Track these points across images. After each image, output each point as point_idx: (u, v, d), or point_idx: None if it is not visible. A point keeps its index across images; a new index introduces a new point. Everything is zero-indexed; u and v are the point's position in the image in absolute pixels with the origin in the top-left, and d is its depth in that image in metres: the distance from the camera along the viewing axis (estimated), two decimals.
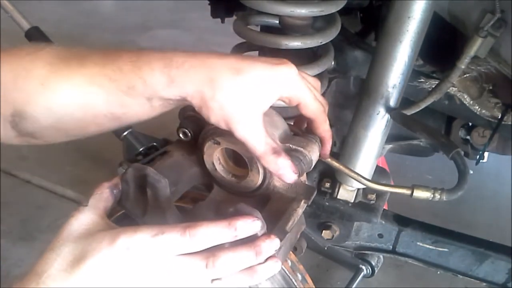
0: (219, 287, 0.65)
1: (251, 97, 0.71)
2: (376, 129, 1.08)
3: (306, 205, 0.87)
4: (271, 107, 0.76)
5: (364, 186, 1.09)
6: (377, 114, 1.05)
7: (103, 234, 0.67)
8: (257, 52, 1.15)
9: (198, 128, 0.89)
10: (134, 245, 0.64)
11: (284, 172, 0.76)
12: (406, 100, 1.10)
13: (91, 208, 0.74)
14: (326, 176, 1.21)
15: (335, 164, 0.93)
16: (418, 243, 1.26)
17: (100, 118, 0.75)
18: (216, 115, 0.71)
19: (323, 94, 1.21)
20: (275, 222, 0.82)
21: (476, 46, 0.95)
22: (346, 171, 0.95)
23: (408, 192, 0.92)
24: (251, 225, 0.67)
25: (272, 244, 0.69)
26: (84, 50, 0.75)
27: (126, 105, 0.73)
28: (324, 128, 0.83)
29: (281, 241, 0.80)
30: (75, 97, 0.72)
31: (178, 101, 0.73)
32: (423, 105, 1.05)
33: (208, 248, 0.65)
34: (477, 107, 1.31)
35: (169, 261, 0.64)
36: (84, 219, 0.71)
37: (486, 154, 1.78)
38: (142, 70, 0.70)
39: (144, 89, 0.71)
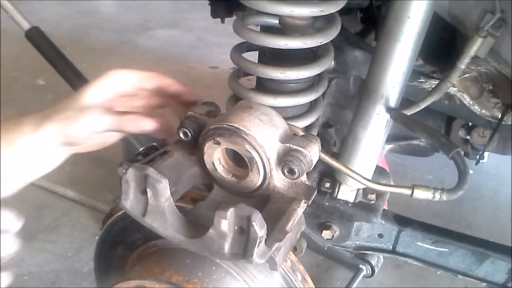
0: None
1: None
2: (376, 129, 1.08)
3: (306, 205, 0.87)
4: (271, 107, 0.77)
5: (364, 186, 1.09)
6: (377, 114, 1.05)
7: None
8: (257, 52, 1.15)
9: (198, 128, 0.89)
10: None
11: (139, 124, 0.88)
12: (406, 100, 1.10)
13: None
14: (326, 176, 1.21)
15: (335, 164, 0.93)
16: (418, 243, 1.26)
17: None
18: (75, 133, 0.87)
19: (323, 94, 1.21)
20: (275, 222, 0.82)
21: (476, 46, 0.94)
22: (346, 171, 0.95)
23: (408, 192, 0.92)
24: None
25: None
26: None
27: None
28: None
29: (281, 241, 0.80)
30: None
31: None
32: (423, 105, 1.05)
33: None
34: (477, 107, 1.31)
35: None
36: None
37: (486, 154, 1.78)
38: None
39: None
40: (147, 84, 0.96)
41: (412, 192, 0.92)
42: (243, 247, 0.78)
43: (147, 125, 0.89)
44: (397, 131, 1.57)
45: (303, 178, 0.87)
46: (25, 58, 3.10)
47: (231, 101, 1.17)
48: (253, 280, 1.10)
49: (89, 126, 0.87)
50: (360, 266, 1.72)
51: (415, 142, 1.72)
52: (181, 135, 0.90)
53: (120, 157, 1.90)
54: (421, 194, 0.91)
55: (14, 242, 0.73)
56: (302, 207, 0.86)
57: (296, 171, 0.82)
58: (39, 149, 0.87)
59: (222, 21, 1.89)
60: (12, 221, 0.73)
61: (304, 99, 1.11)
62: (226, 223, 0.77)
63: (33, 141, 0.86)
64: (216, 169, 0.90)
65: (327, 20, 1.06)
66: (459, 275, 1.27)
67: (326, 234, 1.23)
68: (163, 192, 0.81)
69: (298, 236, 0.95)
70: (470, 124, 1.58)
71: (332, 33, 1.06)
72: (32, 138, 0.86)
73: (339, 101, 1.52)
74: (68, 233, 2.21)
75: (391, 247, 1.29)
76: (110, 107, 0.92)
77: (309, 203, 0.87)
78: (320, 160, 0.89)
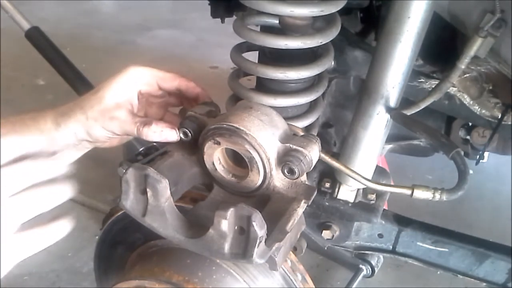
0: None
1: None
2: (376, 129, 1.08)
3: (306, 205, 0.87)
4: (271, 107, 0.77)
5: (364, 186, 1.09)
6: (377, 114, 1.05)
7: None
8: (257, 52, 1.15)
9: (198, 128, 0.89)
10: None
11: (163, 135, 0.89)
12: (406, 100, 1.10)
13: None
14: (326, 176, 1.21)
15: (335, 164, 0.93)
16: (418, 243, 1.26)
17: None
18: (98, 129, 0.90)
19: (323, 94, 1.21)
20: (275, 222, 0.82)
21: (476, 46, 0.95)
22: (346, 171, 0.95)
23: (408, 192, 0.92)
24: None
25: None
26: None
27: None
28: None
29: (281, 241, 0.80)
30: None
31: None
32: (423, 105, 1.05)
33: None
34: (477, 107, 1.31)
35: None
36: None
37: (486, 154, 1.78)
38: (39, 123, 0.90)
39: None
40: (167, 85, 0.97)
41: (412, 192, 0.92)
42: (243, 247, 0.78)
43: (172, 136, 0.90)
44: (397, 131, 1.57)
45: (303, 178, 0.87)
46: (25, 58, 3.10)
47: (231, 101, 1.17)
48: (253, 280, 1.10)
49: (115, 130, 0.90)
50: (360, 266, 1.72)
51: (415, 142, 1.72)
52: (181, 135, 0.90)
53: (120, 157, 1.90)
54: (421, 194, 0.91)
55: (69, 187, 0.73)
56: (302, 207, 0.86)
57: (296, 171, 0.82)
58: (60, 146, 0.90)
59: (222, 21, 1.89)
60: (62, 167, 0.74)
61: (304, 99, 1.10)
62: (226, 223, 0.77)
63: (55, 138, 0.89)
64: (216, 169, 0.90)
65: (327, 20, 1.06)
66: (459, 275, 1.27)
67: (326, 234, 1.23)
68: (163, 192, 0.81)
69: (298, 236, 0.95)
70: (470, 124, 1.58)
71: (332, 33, 1.05)
72: (54, 136, 0.89)
73: (339, 101, 1.52)
74: (68, 233, 2.21)
75: (391, 247, 1.29)
76: (133, 108, 0.93)
77: (309, 203, 0.87)
78: (320, 160, 0.89)
